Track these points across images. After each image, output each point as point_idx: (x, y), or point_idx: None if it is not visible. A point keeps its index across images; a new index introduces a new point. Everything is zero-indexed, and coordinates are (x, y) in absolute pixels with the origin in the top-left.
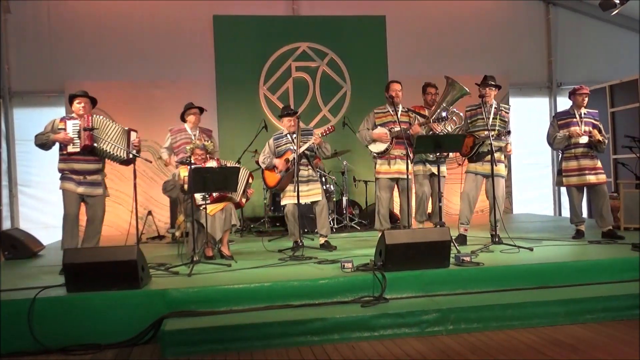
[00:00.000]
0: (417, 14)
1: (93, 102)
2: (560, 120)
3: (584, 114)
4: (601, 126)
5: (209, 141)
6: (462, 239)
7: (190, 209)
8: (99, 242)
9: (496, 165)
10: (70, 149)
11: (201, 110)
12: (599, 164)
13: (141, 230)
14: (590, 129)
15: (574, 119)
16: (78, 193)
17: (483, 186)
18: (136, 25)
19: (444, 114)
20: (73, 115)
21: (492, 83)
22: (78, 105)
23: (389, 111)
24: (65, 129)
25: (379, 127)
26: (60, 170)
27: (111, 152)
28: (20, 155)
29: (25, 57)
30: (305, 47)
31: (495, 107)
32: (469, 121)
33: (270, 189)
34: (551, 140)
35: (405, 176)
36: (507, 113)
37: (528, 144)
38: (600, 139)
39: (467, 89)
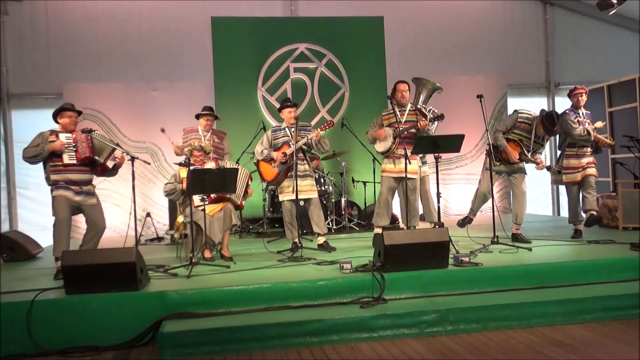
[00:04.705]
0: (415, 14)
1: (79, 114)
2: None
3: (584, 114)
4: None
5: (209, 142)
6: (467, 220)
7: (189, 211)
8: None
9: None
10: (66, 160)
11: (214, 116)
12: (592, 159)
13: (140, 232)
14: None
15: (579, 118)
16: (75, 201)
17: (498, 183)
18: (134, 27)
19: (433, 112)
20: (60, 129)
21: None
22: (68, 120)
23: (394, 113)
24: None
25: (385, 128)
26: (54, 182)
27: (98, 161)
28: (18, 158)
29: (22, 59)
30: (303, 48)
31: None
32: (517, 130)
33: (267, 184)
34: (573, 130)
35: (409, 176)
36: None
37: None
38: (610, 142)
39: (438, 84)
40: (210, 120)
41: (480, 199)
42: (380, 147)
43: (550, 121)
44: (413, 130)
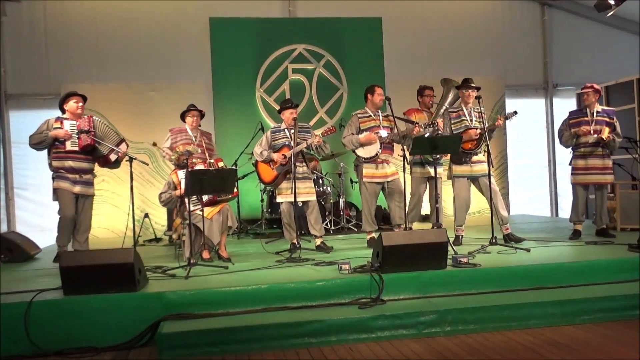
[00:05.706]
0: (413, 15)
1: (84, 100)
2: (572, 119)
3: (598, 112)
4: (616, 124)
5: (193, 146)
6: (457, 240)
7: (187, 212)
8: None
9: (482, 164)
10: (69, 146)
11: (201, 114)
12: (609, 164)
13: (138, 232)
14: (602, 127)
15: (585, 118)
16: (74, 193)
17: (472, 187)
18: (132, 28)
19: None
20: (66, 116)
21: (473, 85)
22: (75, 105)
23: (371, 115)
24: (62, 128)
25: (364, 132)
26: (55, 169)
27: (101, 152)
28: (16, 158)
29: (21, 59)
30: (301, 49)
31: (474, 110)
32: (452, 122)
33: (265, 185)
34: (560, 136)
35: (390, 179)
36: (483, 113)
37: (524, 144)
38: (605, 137)
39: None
40: (197, 117)
41: (462, 209)
42: (365, 152)
43: (465, 81)
44: (412, 132)
